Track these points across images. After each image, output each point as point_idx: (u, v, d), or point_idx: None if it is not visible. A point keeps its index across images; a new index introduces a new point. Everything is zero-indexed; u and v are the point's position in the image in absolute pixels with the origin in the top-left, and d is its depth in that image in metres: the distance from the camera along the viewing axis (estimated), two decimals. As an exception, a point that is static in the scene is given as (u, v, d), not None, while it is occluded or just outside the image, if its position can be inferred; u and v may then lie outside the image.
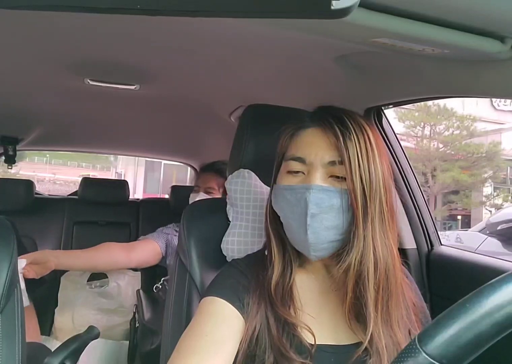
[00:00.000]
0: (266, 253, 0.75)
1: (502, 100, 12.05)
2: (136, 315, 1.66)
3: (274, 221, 0.73)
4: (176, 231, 1.75)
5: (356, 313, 0.66)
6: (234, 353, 0.64)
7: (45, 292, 1.95)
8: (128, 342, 1.69)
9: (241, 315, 0.67)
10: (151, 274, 1.94)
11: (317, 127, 0.69)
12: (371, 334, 0.64)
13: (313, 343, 0.65)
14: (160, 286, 1.70)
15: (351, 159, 0.64)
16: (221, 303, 0.67)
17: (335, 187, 0.65)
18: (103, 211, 2.35)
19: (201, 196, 1.66)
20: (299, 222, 0.65)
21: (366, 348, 0.64)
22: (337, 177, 0.66)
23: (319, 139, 0.67)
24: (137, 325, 1.64)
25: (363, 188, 0.64)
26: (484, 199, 12.83)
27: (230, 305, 0.67)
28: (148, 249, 1.62)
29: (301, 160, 0.68)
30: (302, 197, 0.65)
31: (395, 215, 0.70)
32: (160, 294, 1.66)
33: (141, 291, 1.73)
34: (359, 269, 0.64)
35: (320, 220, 0.64)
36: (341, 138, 0.65)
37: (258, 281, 0.71)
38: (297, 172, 0.68)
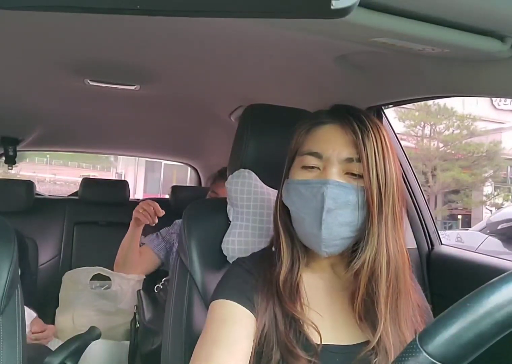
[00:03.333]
0: (273, 249, 0.75)
1: (502, 99, 12.03)
2: (137, 316, 1.65)
3: (283, 215, 0.73)
4: None
5: (365, 312, 0.67)
6: (249, 353, 0.64)
7: (46, 293, 1.96)
8: (128, 342, 1.69)
9: (253, 314, 0.67)
10: (152, 275, 1.94)
11: (336, 124, 0.69)
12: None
13: (318, 342, 0.64)
14: (161, 286, 1.70)
15: (368, 157, 0.64)
16: (231, 305, 0.67)
17: (351, 183, 0.66)
18: (104, 211, 2.35)
19: None
20: (313, 217, 0.65)
21: (373, 347, 0.64)
22: (353, 174, 0.66)
23: (337, 136, 0.68)
24: (137, 325, 1.64)
25: (379, 186, 0.64)
26: (484, 198, 12.82)
27: (240, 306, 0.67)
28: (145, 262, 1.69)
29: (317, 155, 0.67)
30: (319, 192, 0.65)
31: (404, 214, 0.71)
32: (161, 294, 1.66)
33: (141, 291, 1.72)
34: (373, 266, 0.64)
35: (335, 215, 0.64)
36: (360, 136, 0.65)
37: (266, 278, 0.71)
38: (312, 167, 0.68)
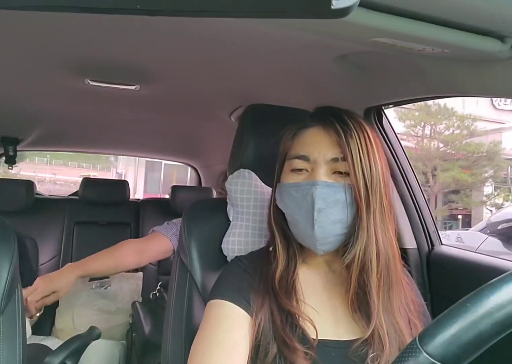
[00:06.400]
0: (270, 249, 0.76)
1: (503, 99, 12.03)
2: (133, 326, 1.64)
3: (278, 218, 0.75)
4: None
5: (359, 304, 0.68)
6: (247, 354, 0.65)
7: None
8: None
9: (249, 314, 0.68)
10: (152, 282, 1.94)
11: (319, 126, 0.71)
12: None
13: (315, 337, 0.65)
14: (157, 294, 1.68)
15: (353, 155, 0.66)
16: (228, 306, 0.68)
17: (339, 182, 0.67)
18: (104, 211, 2.35)
19: None
20: (306, 218, 0.67)
21: (367, 338, 0.66)
22: (340, 172, 0.68)
23: (322, 137, 0.70)
24: (133, 334, 1.64)
25: (365, 183, 0.66)
26: (484, 198, 12.81)
27: (237, 307, 0.68)
28: (160, 248, 1.54)
29: (305, 158, 0.70)
30: (309, 193, 0.67)
31: (393, 208, 0.73)
32: (158, 302, 1.65)
33: (137, 303, 1.70)
34: (363, 259, 0.66)
35: (326, 214, 0.66)
36: (342, 136, 0.67)
37: (262, 276, 0.72)
38: (301, 170, 0.70)
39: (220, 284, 0.74)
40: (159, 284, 1.69)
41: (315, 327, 0.66)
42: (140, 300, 1.84)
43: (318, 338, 0.65)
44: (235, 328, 0.66)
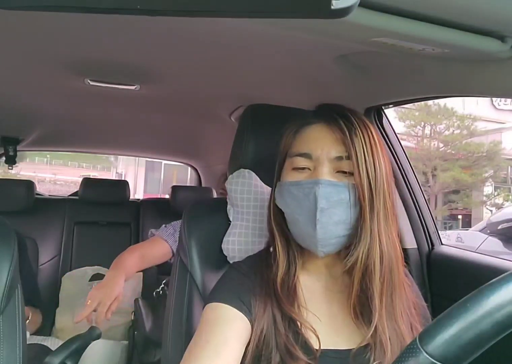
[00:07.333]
0: (271, 250, 0.75)
1: (503, 99, 12.03)
2: (135, 324, 1.64)
3: (277, 218, 0.73)
4: None
5: (361, 308, 0.67)
6: (239, 354, 0.64)
7: (47, 293, 1.96)
8: (127, 342, 1.68)
9: (246, 317, 0.66)
10: (152, 282, 1.93)
11: (322, 123, 0.69)
12: (375, 327, 0.64)
13: (317, 347, 0.64)
14: (161, 292, 1.68)
15: (357, 154, 0.65)
16: (223, 308, 0.67)
17: (343, 181, 0.65)
18: (104, 211, 2.35)
19: None
20: (308, 217, 0.65)
21: (369, 343, 0.64)
22: (344, 172, 0.66)
23: (325, 135, 0.68)
24: (135, 332, 1.64)
25: (369, 183, 0.65)
26: (484, 198, 12.82)
27: (233, 308, 0.66)
28: (159, 252, 1.60)
29: (307, 155, 0.68)
30: (311, 192, 0.64)
31: (396, 210, 0.71)
32: (161, 300, 1.65)
33: (140, 300, 1.71)
34: (366, 262, 0.64)
35: (329, 215, 0.64)
36: (347, 133, 0.65)
37: (263, 280, 0.70)
38: (303, 168, 0.68)
39: (218, 287, 0.73)
40: (164, 282, 1.69)
41: (317, 337, 0.64)
42: (141, 300, 1.84)
43: (321, 348, 0.64)
44: (227, 327, 0.64)
